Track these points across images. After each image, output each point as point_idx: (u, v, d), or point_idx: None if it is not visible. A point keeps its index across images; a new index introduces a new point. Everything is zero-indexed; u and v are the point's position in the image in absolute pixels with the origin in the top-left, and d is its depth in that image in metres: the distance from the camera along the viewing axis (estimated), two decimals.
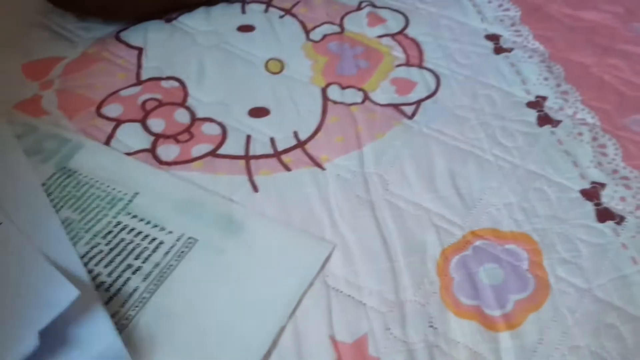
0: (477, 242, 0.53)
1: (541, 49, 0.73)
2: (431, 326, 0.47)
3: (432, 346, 0.46)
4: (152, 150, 0.60)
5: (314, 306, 0.48)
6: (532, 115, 0.64)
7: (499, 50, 0.73)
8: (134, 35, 0.73)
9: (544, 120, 0.64)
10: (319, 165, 0.59)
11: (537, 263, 0.52)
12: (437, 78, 0.69)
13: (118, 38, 0.73)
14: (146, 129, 0.62)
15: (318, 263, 0.51)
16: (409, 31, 0.75)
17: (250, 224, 0.54)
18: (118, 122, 0.63)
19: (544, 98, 0.66)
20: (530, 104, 0.66)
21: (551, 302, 0.49)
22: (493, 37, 0.74)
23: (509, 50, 0.72)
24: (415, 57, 0.72)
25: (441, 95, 0.67)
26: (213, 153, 0.60)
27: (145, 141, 0.61)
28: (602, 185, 0.58)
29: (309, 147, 0.61)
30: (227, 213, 0.54)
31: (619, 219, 0.55)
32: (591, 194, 0.57)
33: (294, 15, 0.78)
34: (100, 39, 0.72)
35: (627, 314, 0.48)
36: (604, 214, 0.55)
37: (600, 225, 0.54)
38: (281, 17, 0.77)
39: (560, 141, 0.62)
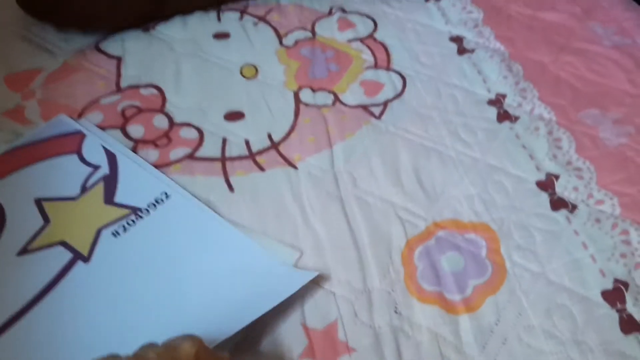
0: (440, 233, 0.57)
1: (501, 49, 0.76)
2: (396, 311, 0.51)
3: (397, 330, 0.50)
4: None
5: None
6: (492, 112, 0.68)
7: (462, 51, 0.76)
8: (113, 45, 0.76)
9: (504, 116, 0.68)
10: (291, 164, 0.63)
11: (494, 250, 0.55)
12: (403, 79, 0.72)
13: (97, 48, 0.76)
14: (126, 135, 0.65)
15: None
16: (377, 35, 0.79)
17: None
18: (99, 128, 0.66)
19: (504, 96, 0.70)
20: (490, 102, 0.69)
21: (507, 285, 0.53)
22: (457, 39, 0.78)
23: (472, 50, 0.76)
24: (383, 60, 0.75)
25: (407, 95, 0.70)
26: (191, 156, 0.63)
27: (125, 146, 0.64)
28: (557, 176, 0.61)
29: (282, 147, 0.65)
30: None
31: (572, 207, 0.59)
32: (546, 184, 0.61)
33: (267, 22, 0.81)
34: (80, 50, 0.75)
35: (577, 294, 0.52)
36: (558, 203, 0.59)
37: (554, 214, 0.58)
38: (255, 24, 0.81)
39: (518, 136, 0.66)
